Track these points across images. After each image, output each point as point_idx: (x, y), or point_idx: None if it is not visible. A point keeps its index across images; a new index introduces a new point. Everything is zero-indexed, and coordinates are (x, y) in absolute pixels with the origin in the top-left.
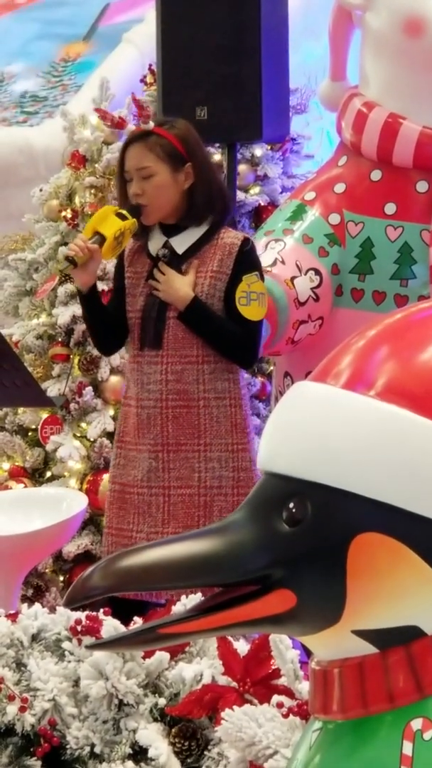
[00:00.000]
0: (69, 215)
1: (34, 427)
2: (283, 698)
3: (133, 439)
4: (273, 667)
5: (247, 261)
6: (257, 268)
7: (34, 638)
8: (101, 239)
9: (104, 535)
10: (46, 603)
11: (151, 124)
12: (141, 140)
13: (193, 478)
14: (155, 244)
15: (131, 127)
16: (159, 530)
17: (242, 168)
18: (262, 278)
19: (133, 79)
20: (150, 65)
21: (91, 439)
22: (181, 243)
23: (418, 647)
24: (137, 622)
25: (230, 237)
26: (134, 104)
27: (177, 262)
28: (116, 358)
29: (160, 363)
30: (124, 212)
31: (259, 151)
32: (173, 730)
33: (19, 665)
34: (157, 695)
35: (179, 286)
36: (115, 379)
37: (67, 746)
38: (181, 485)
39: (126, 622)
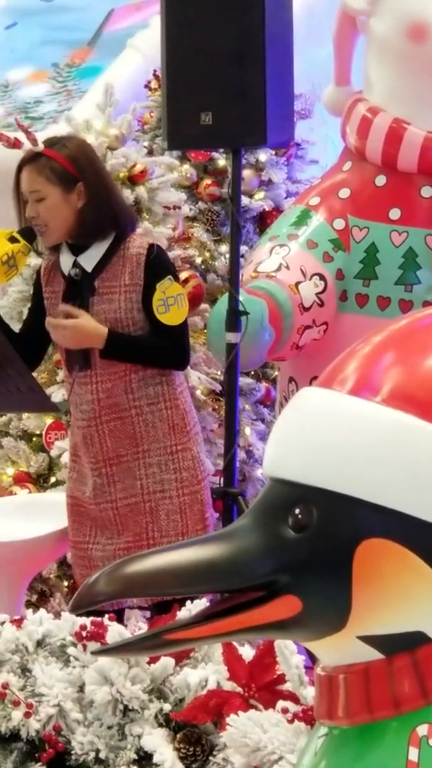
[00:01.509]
0: None
1: (38, 432)
2: (288, 704)
3: (79, 457)
4: (278, 673)
5: (156, 268)
6: (169, 271)
7: (39, 644)
8: None
9: (70, 547)
10: (51, 608)
11: (40, 147)
12: (31, 162)
13: (136, 486)
14: (66, 263)
15: (27, 146)
16: (113, 541)
17: (247, 173)
18: (176, 279)
19: (137, 85)
20: (154, 71)
21: None
22: (89, 260)
23: (424, 653)
24: (142, 628)
25: (135, 247)
26: None
27: (88, 279)
28: None
29: (90, 383)
30: (17, 235)
31: (263, 156)
32: (178, 736)
33: (24, 671)
34: (162, 701)
35: (90, 326)
36: None
37: (72, 752)
38: (126, 495)
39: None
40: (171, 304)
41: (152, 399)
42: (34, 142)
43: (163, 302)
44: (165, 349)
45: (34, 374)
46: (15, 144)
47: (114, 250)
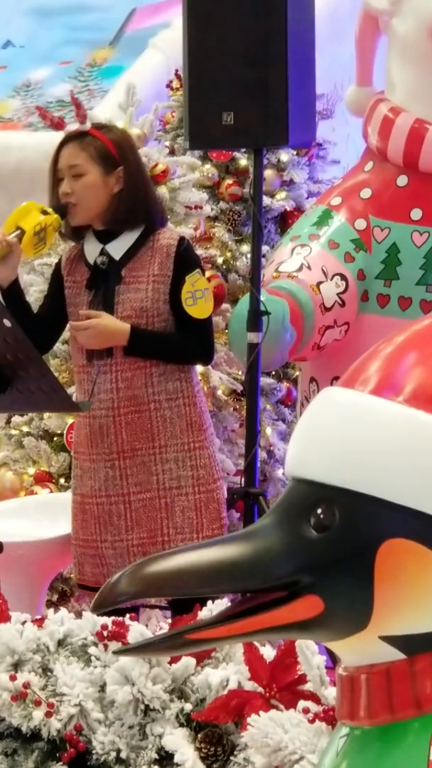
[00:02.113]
0: None
1: (59, 432)
2: (309, 704)
3: (86, 450)
4: (299, 673)
5: (186, 260)
6: (197, 264)
7: (60, 643)
8: (21, 233)
9: (74, 547)
10: (71, 608)
11: (88, 125)
12: (75, 140)
13: (152, 482)
14: (92, 251)
15: (70, 127)
16: (123, 537)
17: (268, 173)
18: (203, 273)
19: (159, 85)
20: (176, 70)
21: None
22: (118, 248)
23: None
24: (164, 628)
25: (165, 238)
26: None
27: (115, 268)
28: None
29: (110, 372)
30: (48, 209)
31: (285, 156)
32: (199, 736)
33: (45, 670)
34: (183, 700)
35: (111, 324)
36: None
37: (93, 751)
38: (140, 490)
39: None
40: (198, 297)
41: (171, 395)
42: (83, 118)
43: (192, 295)
44: (190, 343)
45: (56, 374)
46: (58, 124)
47: (143, 241)
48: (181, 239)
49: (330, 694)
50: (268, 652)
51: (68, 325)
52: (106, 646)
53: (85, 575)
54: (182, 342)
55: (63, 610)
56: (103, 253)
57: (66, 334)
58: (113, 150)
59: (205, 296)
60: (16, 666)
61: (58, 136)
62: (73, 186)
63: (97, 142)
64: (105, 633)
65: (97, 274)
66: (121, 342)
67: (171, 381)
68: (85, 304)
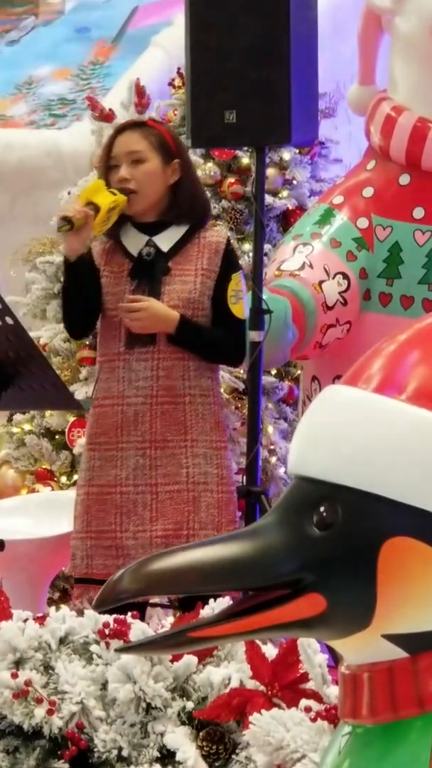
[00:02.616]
0: None
1: (61, 430)
2: (311, 702)
3: (112, 438)
4: (301, 671)
5: (232, 259)
6: (240, 267)
7: (62, 641)
8: (96, 209)
9: (80, 541)
10: (73, 606)
11: (145, 117)
12: (135, 128)
13: (181, 474)
14: (134, 243)
15: (119, 120)
16: (147, 528)
17: (270, 172)
18: (242, 277)
19: (161, 83)
20: (178, 69)
21: None
22: (166, 241)
23: None
24: (165, 626)
25: (214, 235)
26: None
27: (161, 260)
28: None
29: (151, 359)
30: (114, 190)
31: (287, 154)
32: (201, 734)
33: (47, 668)
34: (185, 699)
35: (162, 310)
36: None
37: (95, 749)
38: (168, 482)
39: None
40: (240, 298)
41: (204, 391)
42: (145, 106)
43: (236, 294)
44: (229, 342)
45: (57, 372)
46: (108, 116)
47: (190, 237)
48: (229, 238)
49: (332, 692)
50: (270, 651)
51: (118, 307)
52: (107, 644)
53: (95, 568)
54: (222, 339)
55: (65, 608)
56: (148, 244)
57: (61, 329)
58: (171, 142)
59: (244, 298)
60: (18, 664)
61: (59, 134)
62: (132, 172)
63: (156, 131)
64: (107, 631)
65: (141, 265)
66: (170, 328)
67: (204, 378)
68: (128, 293)
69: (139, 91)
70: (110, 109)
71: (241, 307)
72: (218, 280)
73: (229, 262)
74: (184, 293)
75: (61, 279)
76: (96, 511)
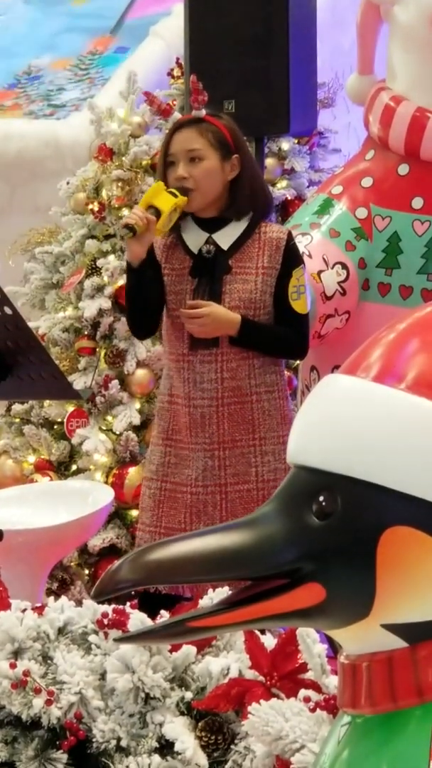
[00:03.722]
0: (96, 208)
1: (60, 420)
2: (310, 692)
3: (185, 438)
4: (300, 662)
5: (294, 255)
6: (302, 261)
7: (61, 631)
8: (157, 213)
9: (149, 534)
10: (71, 596)
11: (203, 112)
12: (192, 125)
13: (251, 473)
14: (194, 240)
15: (177, 114)
16: None
17: (269, 162)
18: (305, 271)
19: (160, 73)
20: (177, 59)
21: (117, 433)
22: (226, 238)
23: None
24: (164, 616)
25: (274, 231)
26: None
27: (222, 258)
28: (142, 352)
29: (215, 361)
30: (174, 190)
31: (286, 144)
32: (200, 724)
33: (46, 658)
34: (183, 689)
35: (223, 314)
36: (141, 373)
37: (93, 740)
38: (238, 481)
39: (152, 615)
40: (302, 293)
41: (270, 387)
42: (203, 103)
43: (297, 289)
44: (291, 338)
45: (56, 362)
46: (165, 111)
47: (250, 233)
48: (290, 233)
49: (331, 682)
50: (269, 641)
51: (180, 311)
52: (106, 634)
53: None
54: (285, 336)
55: (63, 598)
56: (208, 241)
57: (69, 322)
58: (229, 137)
59: (306, 293)
60: (16, 654)
61: (58, 124)
62: (190, 170)
63: (213, 128)
64: (105, 621)
65: (201, 262)
66: (232, 331)
67: (269, 373)
68: (189, 293)
69: (195, 87)
70: (168, 104)
71: (302, 302)
72: (279, 277)
73: (290, 258)
74: (246, 293)
75: (60, 269)
76: (168, 508)
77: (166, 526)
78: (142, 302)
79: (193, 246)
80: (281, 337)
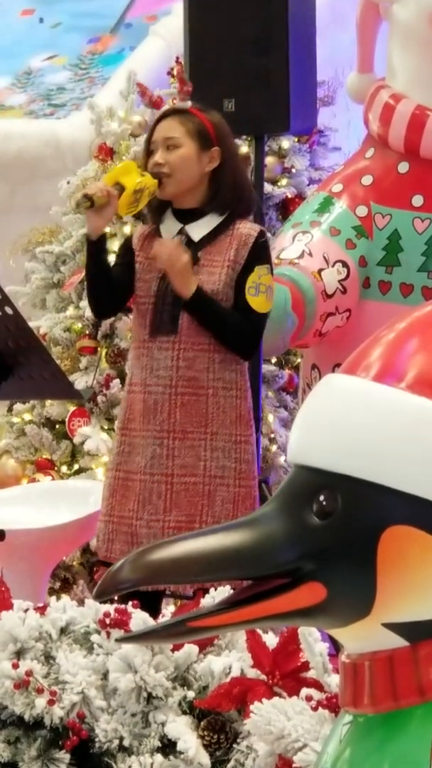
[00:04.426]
0: None
1: (61, 419)
2: (312, 691)
3: (138, 426)
4: (302, 660)
5: (261, 253)
6: (269, 262)
7: (63, 631)
8: (121, 189)
9: (103, 524)
10: (74, 596)
11: (188, 103)
12: (175, 115)
13: (198, 467)
14: (169, 230)
15: (165, 107)
16: (160, 518)
17: (269, 160)
18: (271, 273)
19: (160, 72)
20: (177, 58)
21: None
22: (198, 230)
23: None
24: (166, 615)
25: (246, 228)
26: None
27: (193, 249)
28: None
29: (172, 349)
30: (147, 173)
31: (286, 143)
32: (202, 723)
33: (48, 658)
34: (185, 688)
35: (188, 268)
36: None
37: (96, 739)
38: (185, 473)
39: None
40: (262, 291)
41: (227, 384)
42: (187, 93)
43: (256, 286)
44: (242, 328)
45: (57, 362)
46: (156, 103)
47: (224, 228)
48: (262, 231)
49: (333, 681)
50: (271, 640)
51: (155, 243)
52: (108, 634)
53: (114, 552)
54: (237, 322)
55: (65, 598)
56: (181, 232)
57: (70, 321)
58: (211, 129)
59: (267, 294)
60: (19, 654)
61: (58, 124)
62: (167, 157)
63: (195, 119)
64: (107, 621)
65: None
66: (189, 285)
67: (228, 370)
68: (156, 280)
69: (181, 79)
70: (159, 96)
71: (261, 300)
72: (242, 271)
73: (256, 254)
74: (209, 284)
75: (61, 269)
76: (120, 496)
77: (118, 514)
78: (100, 279)
79: (166, 235)
80: (233, 322)
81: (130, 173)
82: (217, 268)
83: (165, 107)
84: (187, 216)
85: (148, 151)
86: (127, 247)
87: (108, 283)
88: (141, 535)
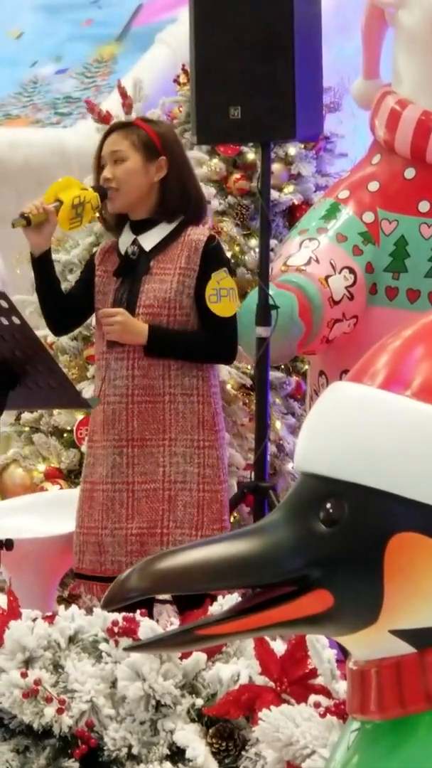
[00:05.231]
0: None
1: (69, 428)
2: (320, 698)
3: (99, 437)
4: (310, 667)
5: (213, 257)
6: (225, 263)
7: (71, 640)
8: (60, 205)
9: (76, 536)
10: (82, 604)
11: (133, 116)
12: (120, 129)
13: (158, 473)
14: (124, 242)
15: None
16: (123, 526)
17: (276, 167)
18: (230, 273)
19: (166, 80)
20: (183, 65)
21: None
22: (149, 240)
23: None
24: (174, 624)
25: (196, 234)
26: None
27: (145, 259)
28: None
29: (127, 359)
30: (87, 186)
31: (292, 149)
32: (210, 731)
33: (57, 667)
34: (194, 696)
35: (134, 322)
36: None
37: (105, 747)
38: (145, 480)
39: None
40: (224, 296)
41: (187, 390)
42: (129, 108)
43: (216, 292)
44: (211, 342)
45: (65, 370)
46: (105, 118)
47: (176, 235)
48: (211, 236)
49: (341, 688)
50: (279, 647)
51: (99, 312)
52: (116, 642)
53: (84, 563)
54: (203, 341)
55: (74, 607)
56: (134, 243)
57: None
58: (156, 139)
59: (230, 295)
60: (27, 663)
61: (64, 132)
62: (114, 171)
63: (140, 131)
64: (116, 629)
65: (126, 263)
66: (141, 339)
67: (188, 377)
68: (112, 292)
69: (122, 93)
70: (107, 111)
71: (224, 305)
72: (198, 280)
73: (208, 260)
74: (161, 292)
75: (68, 277)
76: (87, 508)
77: (87, 525)
78: (48, 295)
79: (122, 248)
80: (199, 344)
81: (69, 188)
82: (169, 275)
83: (112, 122)
84: (140, 227)
85: (99, 167)
86: (89, 264)
87: (60, 298)
88: (106, 544)
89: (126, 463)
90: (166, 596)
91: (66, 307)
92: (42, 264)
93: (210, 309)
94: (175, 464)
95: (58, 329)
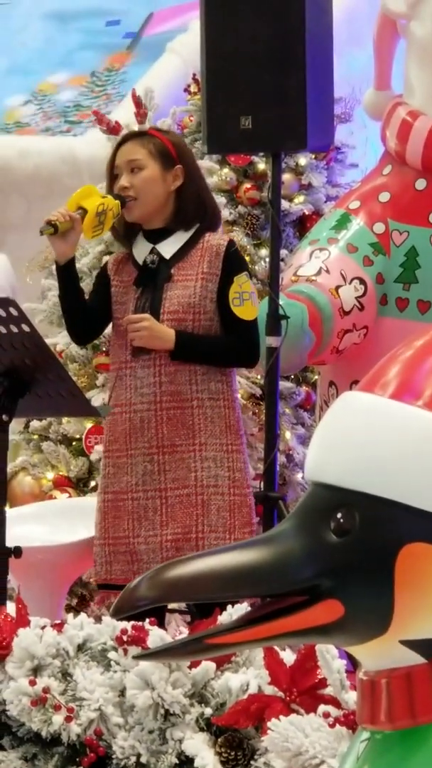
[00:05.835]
0: None
1: (78, 436)
2: (329, 708)
3: (123, 446)
4: (319, 677)
5: (235, 261)
6: (245, 268)
7: (80, 648)
8: (84, 213)
9: (99, 547)
10: (91, 613)
11: (147, 126)
12: (135, 138)
13: (190, 478)
14: (141, 251)
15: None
16: (157, 533)
17: (287, 177)
18: (250, 277)
19: (177, 89)
20: (194, 75)
21: None
22: (168, 248)
23: None
24: (183, 633)
25: (215, 239)
26: None
27: (165, 267)
28: None
29: (152, 366)
30: (108, 195)
31: (303, 160)
32: (219, 740)
33: (65, 675)
34: (203, 705)
35: (158, 326)
36: None
37: (113, 756)
38: (177, 486)
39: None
40: (246, 299)
41: (213, 394)
42: (143, 117)
43: (239, 296)
44: (236, 346)
45: (74, 379)
46: (114, 129)
47: (194, 242)
48: (231, 241)
49: (350, 698)
50: (288, 657)
51: (124, 319)
52: (125, 651)
53: (114, 573)
54: (228, 344)
55: (82, 615)
56: (152, 252)
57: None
58: (171, 149)
59: (252, 299)
60: (36, 671)
61: (75, 141)
62: (131, 180)
63: (156, 140)
64: (124, 638)
65: (145, 272)
66: (168, 344)
67: (213, 381)
68: (133, 301)
69: (137, 102)
70: (116, 122)
71: (247, 308)
72: (220, 284)
73: (230, 264)
74: (185, 298)
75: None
76: (112, 518)
77: (113, 536)
78: (74, 303)
79: (139, 257)
80: (224, 347)
81: (91, 196)
82: (191, 281)
83: (122, 131)
84: (156, 236)
85: (112, 176)
86: (102, 275)
87: (83, 307)
88: (140, 552)
89: (158, 470)
90: (176, 605)
91: (90, 315)
92: (67, 272)
93: (233, 312)
94: (206, 468)
95: (80, 338)
